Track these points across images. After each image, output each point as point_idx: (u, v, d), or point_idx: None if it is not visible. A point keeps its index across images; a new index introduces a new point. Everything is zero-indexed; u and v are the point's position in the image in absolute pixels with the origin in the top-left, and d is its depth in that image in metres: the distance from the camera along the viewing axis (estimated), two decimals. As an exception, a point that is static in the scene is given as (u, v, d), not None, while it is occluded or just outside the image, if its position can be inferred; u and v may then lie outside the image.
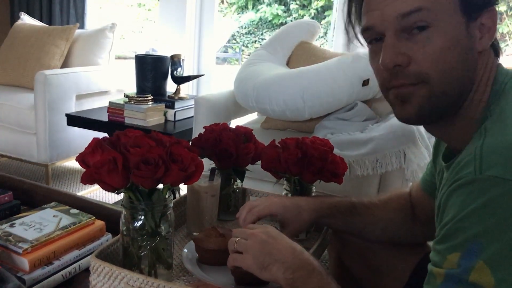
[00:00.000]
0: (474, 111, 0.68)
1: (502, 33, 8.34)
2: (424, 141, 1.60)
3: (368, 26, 0.70)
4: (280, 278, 0.71)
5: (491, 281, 0.53)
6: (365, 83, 1.75)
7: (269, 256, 0.73)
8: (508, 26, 8.17)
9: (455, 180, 0.59)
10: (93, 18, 3.66)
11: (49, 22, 3.66)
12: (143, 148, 0.76)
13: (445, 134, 0.74)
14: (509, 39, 8.21)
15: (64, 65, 2.89)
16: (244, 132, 1.18)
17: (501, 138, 0.58)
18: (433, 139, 0.93)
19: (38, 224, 0.97)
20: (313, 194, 1.12)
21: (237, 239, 0.77)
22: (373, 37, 0.71)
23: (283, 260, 0.72)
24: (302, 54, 2.21)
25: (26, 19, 3.19)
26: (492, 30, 0.67)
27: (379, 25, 0.68)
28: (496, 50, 0.71)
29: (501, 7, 8.18)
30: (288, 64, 2.24)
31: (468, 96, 0.68)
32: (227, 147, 1.11)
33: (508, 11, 8.10)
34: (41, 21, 3.46)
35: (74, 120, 2.36)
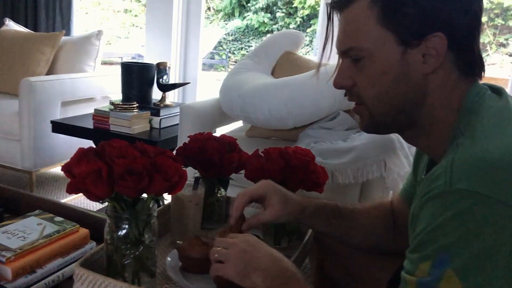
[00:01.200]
0: (443, 128, 0.73)
1: (483, 43, 8.50)
2: (404, 150, 1.64)
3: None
4: (260, 286, 0.73)
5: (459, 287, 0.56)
6: (347, 94, 1.78)
7: (249, 264, 0.75)
8: (489, 37, 8.34)
9: (427, 191, 0.63)
10: (80, 23, 3.66)
11: (35, 28, 3.64)
12: (128, 159, 0.78)
13: (423, 147, 0.81)
14: (490, 49, 8.37)
15: (50, 71, 2.89)
16: (228, 142, 1.20)
17: (470, 153, 0.62)
18: (413, 148, 0.96)
19: (22, 232, 0.97)
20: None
21: (219, 248, 0.79)
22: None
23: (262, 267, 0.74)
24: (286, 64, 2.25)
25: (11, 25, 3.17)
26: (438, 53, 0.70)
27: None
28: (463, 70, 0.73)
29: (482, 18, 8.34)
30: (273, 73, 2.27)
31: (433, 114, 0.74)
32: (211, 157, 1.13)
33: (489, 22, 8.27)
34: (26, 27, 3.44)
35: (59, 127, 2.36)
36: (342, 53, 0.78)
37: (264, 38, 5.26)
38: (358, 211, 1.02)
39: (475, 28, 0.73)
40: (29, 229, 0.99)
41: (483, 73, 0.76)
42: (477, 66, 0.75)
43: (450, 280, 0.56)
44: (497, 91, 0.75)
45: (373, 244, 1.01)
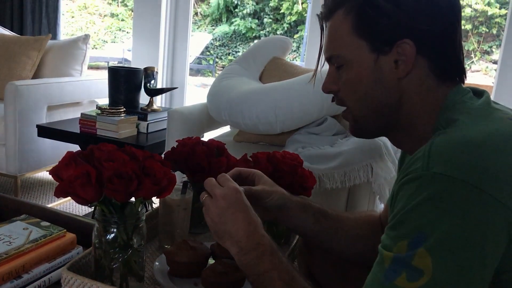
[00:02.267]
0: (423, 128, 0.77)
1: (468, 50, 8.65)
2: (390, 156, 1.66)
3: None
4: (233, 255, 0.78)
5: (429, 265, 0.60)
6: (334, 99, 1.80)
7: (224, 226, 0.78)
8: (473, 44, 8.48)
9: (406, 174, 0.66)
10: (66, 27, 3.65)
11: (21, 32, 3.62)
12: (116, 162, 0.78)
13: (407, 148, 0.84)
14: (475, 57, 8.51)
15: (36, 75, 2.87)
16: (216, 146, 1.21)
17: (449, 138, 0.65)
18: (399, 154, 0.98)
19: (8, 237, 0.96)
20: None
21: (206, 196, 0.81)
22: None
23: (236, 238, 0.77)
24: (274, 69, 2.26)
25: (-4, 29, 3.15)
26: (408, 58, 0.74)
27: None
28: (439, 75, 0.76)
29: (467, 26, 8.52)
30: (261, 79, 2.28)
31: (399, 115, 0.79)
32: (200, 161, 1.13)
33: (474, 29, 8.41)
34: (12, 30, 3.42)
35: (45, 131, 2.34)
36: (327, 60, 0.84)
37: (252, 44, 5.29)
38: (345, 216, 1.03)
39: (449, 35, 0.75)
40: (15, 233, 0.98)
41: (464, 78, 0.79)
42: (455, 71, 0.78)
43: (422, 257, 0.60)
44: (479, 93, 0.77)
45: (360, 250, 1.00)
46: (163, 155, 1.17)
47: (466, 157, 0.61)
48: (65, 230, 1.03)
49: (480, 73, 8.18)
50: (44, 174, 2.99)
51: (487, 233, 0.60)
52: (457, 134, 0.66)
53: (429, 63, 0.76)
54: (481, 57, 8.52)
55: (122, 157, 0.79)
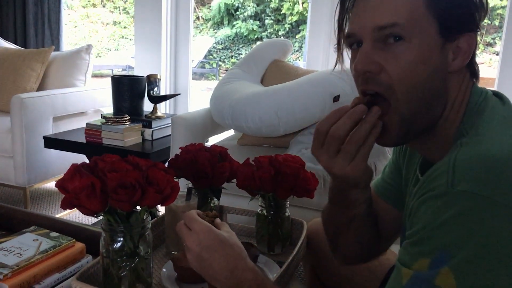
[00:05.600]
0: (449, 129, 0.73)
1: (471, 44, 8.59)
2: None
3: (349, 33, 0.75)
4: None
5: (453, 285, 0.58)
6: (336, 99, 1.81)
7: (204, 270, 0.74)
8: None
9: (429, 189, 0.63)
10: (69, 37, 3.69)
11: (24, 45, 3.66)
12: (120, 173, 0.80)
13: (423, 148, 0.79)
14: (478, 49, 8.45)
15: (41, 87, 2.90)
16: (219, 152, 1.22)
17: (473, 152, 0.63)
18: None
19: (18, 249, 0.98)
20: (287, 209, 1.16)
21: (183, 232, 0.77)
22: (354, 43, 0.75)
23: (219, 279, 0.74)
24: (275, 72, 2.27)
25: (0, 43, 3.18)
26: (467, 53, 0.71)
27: (358, 33, 0.72)
28: (472, 73, 0.75)
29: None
30: (263, 81, 2.30)
31: (443, 114, 0.73)
32: (203, 167, 1.15)
33: (475, 22, 8.35)
34: (15, 43, 3.46)
35: (52, 142, 2.36)
36: (379, 29, 0.69)
37: (253, 46, 5.30)
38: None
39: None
40: (25, 245, 1.00)
41: (479, 76, 0.77)
42: (476, 69, 0.76)
43: (446, 277, 0.58)
44: (497, 94, 0.76)
45: (359, 246, 0.95)
46: (167, 162, 1.19)
47: (492, 174, 0.59)
48: (74, 239, 1.05)
49: (484, 66, 8.14)
50: (53, 185, 3.02)
51: None
52: (481, 148, 0.63)
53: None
54: (484, 49, 8.48)
55: (125, 167, 0.81)
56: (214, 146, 1.26)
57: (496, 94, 0.75)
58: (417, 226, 0.63)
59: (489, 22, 8.34)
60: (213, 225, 0.78)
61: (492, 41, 8.48)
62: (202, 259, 0.74)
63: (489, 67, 8.09)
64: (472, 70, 0.74)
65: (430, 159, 0.78)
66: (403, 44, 0.68)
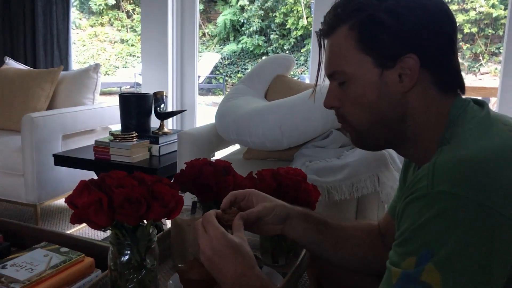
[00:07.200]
0: (429, 140, 0.79)
1: (476, 53, 8.62)
2: (395, 164, 1.69)
3: None
4: None
5: (437, 280, 0.62)
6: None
7: (216, 274, 0.79)
8: (481, 47, 8.45)
9: (412, 192, 0.68)
10: (78, 56, 3.77)
11: (34, 65, 3.73)
12: (126, 188, 0.83)
13: (413, 157, 0.86)
14: (483, 59, 8.47)
15: (50, 106, 2.96)
16: (223, 166, 1.25)
17: (451, 156, 0.68)
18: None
19: (29, 264, 1.01)
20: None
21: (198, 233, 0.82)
22: None
23: (228, 283, 0.78)
24: (279, 87, 2.31)
25: (11, 63, 3.26)
26: (412, 72, 0.76)
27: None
28: (441, 87, 0.79)
29: (473, 29, 8.50)
30: (266, 96, 2.34)
31: (405, 128, 0.80)
32: (207, 181, 1.18)
33: (480, 32, 8.40)
34: (25, 64, 3.54)
35: (62, 160, 2.41)
36: (328, 76, 0.85)
37: (258, 61, 5.35)
38: (345, 225, 1.03)
39: (449, 48, 0.79)
40: (36, 260, 1.03)
41: (464, 89, 0.82)
42: (456, 82, 0.80)
43: (430, 273, 0.62)
44: (479, 103, 0.80)
45: (359, 259, 1.00)
46: (174, 178, 1.22)
47: (469, 174, 0.64)
48: (84, 254, 1.07)
49: (488, 75, 8.14)
50: (63, 201, 3.06)
51: (493, 247, 0.62)
52: (458, 152, 0.68)
53: (432, 76, 0.78)
54: (489, 59, 8.49)
55: (131, 183, 0.84)
56: (218, 160, 1.29)
57: (476, 102, 0.80)
58: (403, 227, 0.68)
59: (493, 32, 8.36)
60: (231, 225, 0.84)
61: (496, 51, 8.49)
62: (213, 262, 0.79)
63: (494, 76, 8.09)
64: (440, 85, 0.79)
65: (419, 166, 0.83)
66: (347, 83, 0.81)
